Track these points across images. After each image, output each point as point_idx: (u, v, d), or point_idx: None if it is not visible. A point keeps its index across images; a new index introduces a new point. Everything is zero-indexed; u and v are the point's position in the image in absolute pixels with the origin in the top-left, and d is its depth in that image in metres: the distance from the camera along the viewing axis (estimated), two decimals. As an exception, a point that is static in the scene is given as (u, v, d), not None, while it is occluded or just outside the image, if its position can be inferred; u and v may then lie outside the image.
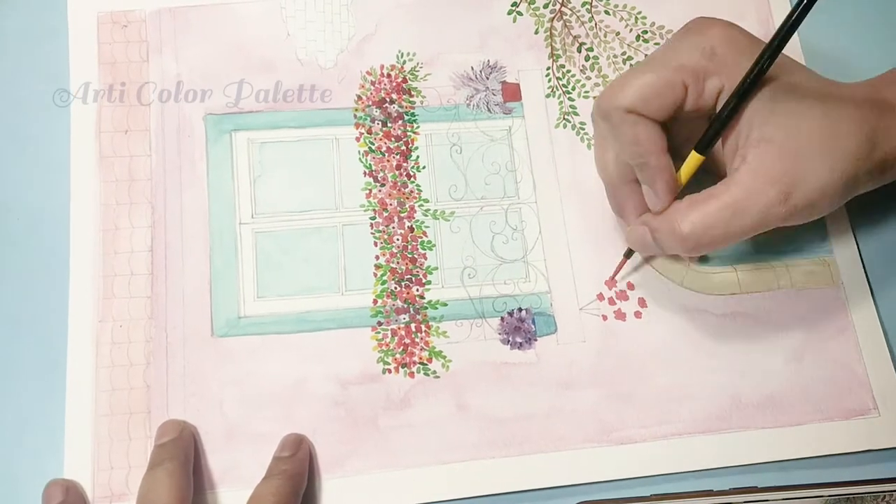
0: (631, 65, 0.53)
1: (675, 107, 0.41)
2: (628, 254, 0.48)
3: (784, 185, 0.39)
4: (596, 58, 0.53)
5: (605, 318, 0.48)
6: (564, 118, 0.52)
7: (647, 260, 0.49)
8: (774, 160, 0.40)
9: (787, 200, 0.39)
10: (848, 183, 0.40)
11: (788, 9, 0.53)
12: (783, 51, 0.39)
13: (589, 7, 0.54)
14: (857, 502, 0.45)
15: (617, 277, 0.48)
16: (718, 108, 0.41)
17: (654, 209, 0.43)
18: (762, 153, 0.40)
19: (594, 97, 0.52)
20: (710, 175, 0.44)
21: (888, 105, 0.42)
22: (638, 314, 0.48)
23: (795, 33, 0.52)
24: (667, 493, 0.45)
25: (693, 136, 0.43)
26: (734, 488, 0.45)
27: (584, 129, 0.51)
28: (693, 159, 0.42)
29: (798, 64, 0.43)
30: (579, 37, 0.53)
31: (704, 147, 0.42)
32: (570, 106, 0.52)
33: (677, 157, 0.43)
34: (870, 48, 0.53)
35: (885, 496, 0.45)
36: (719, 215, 0.40)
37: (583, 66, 0.53)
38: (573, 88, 0.52)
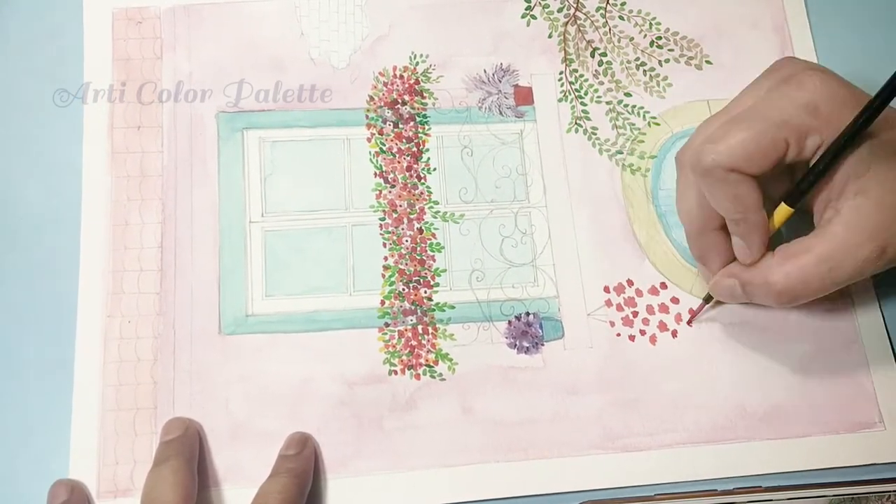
0: (644, 71, 0.52)
1: (776, 163, 0.40)
2: (708, 298, 0.47)
3: (881, 241, 0.39)
4: (609, 63, 0.53)
5: (612, 324, 0.48)
6: (576, 123, 0.52)
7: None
8: (870, 214, 0.39)
9: (883, 255, 0.39)
10: None
11: (804, 16, 0.53)
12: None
13: (603, 12, 0.54)
14: (861, 502, 0.45)
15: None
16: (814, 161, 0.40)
17: (743, 261, 0.43)
18: (858, 206, 0.39)
19: (607, 102, 0.52)
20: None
21: None
22: (646, 321, 0.48)
23: (809, 35, 0.53)
24: (670, 493, 0.45)
25: (772, 176, 0.42)
26: (738, 488, 0.45)
27: (595, 133, 0.51)
28: (783, 212, 0.42)
29: (891, 109, 0.41)
30: (593, 41, 0.53)
31: (796, 200, 0.41)
32: (583, 111, 0.52)
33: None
34: (883, 49, 0.52)
35: (889, 496, 0.45)
36: (815, 270, 0.40)
37: (596, 70, 0.53)
38: (586, 93, 0.52)
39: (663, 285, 0.48)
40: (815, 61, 0.53)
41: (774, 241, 0.42)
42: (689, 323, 0.48)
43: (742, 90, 0.43)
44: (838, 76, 0.41)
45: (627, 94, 0.52)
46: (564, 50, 0.53)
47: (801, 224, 0.43)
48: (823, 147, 0.40)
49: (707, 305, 0.47)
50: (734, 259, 0.44)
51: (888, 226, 0.39)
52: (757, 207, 0.41)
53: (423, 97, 0.51)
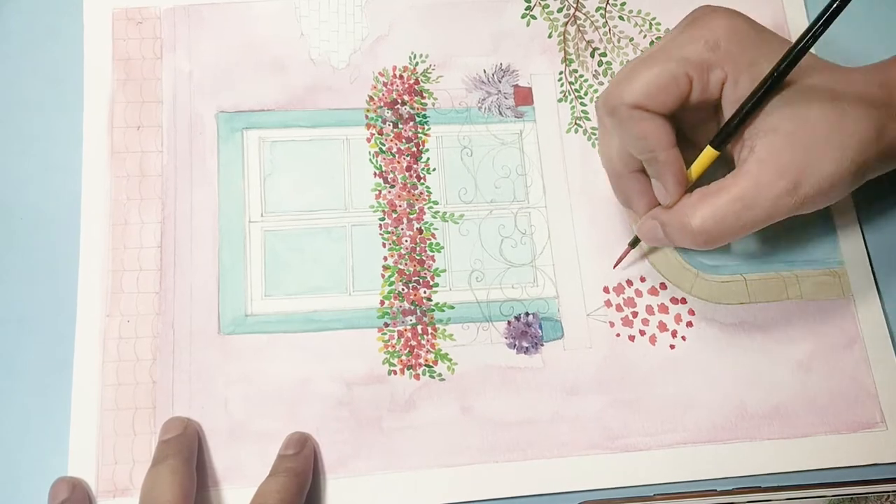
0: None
1: (680, 100, 0.40)
2: (634, 243, 0.48)
3: (793, 176, 0.39)
4: (609, 63, 0.53)
5: (612, 324, 0.48)
6: (576, 123, 0.52)
7: (651, 253, 0.49)
8: (782, 150, 0.39)
9: (797, 190, 0.39)
10: (857, 170, 0.40)
11: (803, 16, 0.53)
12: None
13: (603, 12, 0.54)
14: (860, 502, 0.45)
15: (620, 267, 0.48)
16: (725, 97, 0.41)
17: (663, 203, 0.43)
18: (770, 143, 0.40)
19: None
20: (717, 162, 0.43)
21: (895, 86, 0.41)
22: (645, 321, 0.48)
23: (804, 22, 0.53)
24: (669, 493, 0.44)
25: (698, 122, 0.43)
26: (737, 488, 0.45)
27: (595, 134, 0.51)
28: (707, 155, 0.42)
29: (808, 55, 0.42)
30: (592, 42, 0.53)
31: (720, 143, 0.42)
32: (582, 111, 0.52)
33: (685, 144, 0.43)
34: (877, 33, 0.52)
35: (888, 496, 0.45)
36: (730, 208, 0.40)
37: (595, 71, 0.53)
38: (585, 93, 0.52)
39: (663, 286, 0.48)
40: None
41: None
42: (613, 267, 0.48)
43: None
44: (746, 17, 0.41)
45: (627, 95, 0.52)
46: (564, 50, 0.53)
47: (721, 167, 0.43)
48: (730, 83, 0.40)
49: (632, 250, 0.48)
50: (657, 202, 0.44)
51: (800, 161, 0.39)
52: (666, 145, 0.41)
53: (423, 97, 0.51)
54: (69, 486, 0.43)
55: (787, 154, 0.39)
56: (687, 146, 0.43)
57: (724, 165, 0.42)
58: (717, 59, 0.40)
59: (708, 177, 0.42)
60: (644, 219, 0.45)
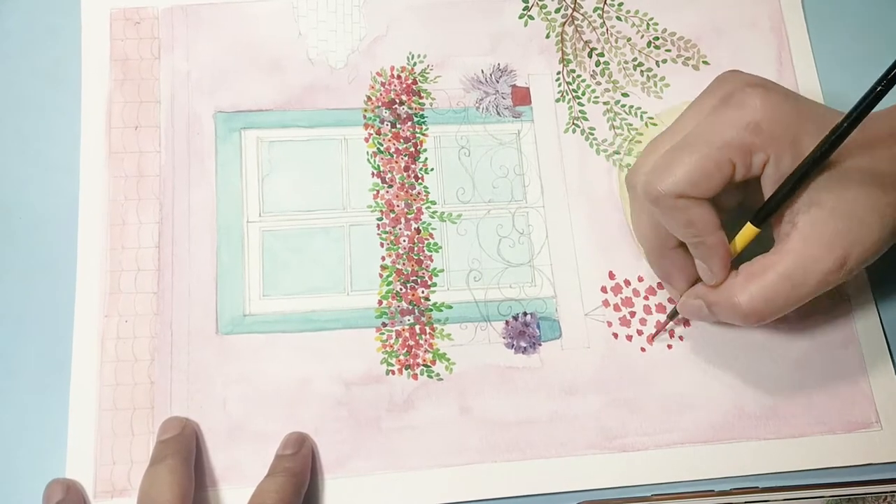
0: (642, 71, 0.53)
1: (724, 185, 0.39)
2: (673, 314, 0.47)
3: (840, 251, 0.39)
4: (607, 63, 0.53)
5: (609, 324, 0.48)
6: (574, 123, 0.52)
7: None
8: (826, 225, 0.39)
9: (844, 265, 0.39)
10: None
11: (801, 16, 0.54)
12: (797, 86, 0.38)
13: (600, 12, 0.54)
14: (857, 503, 0.45)
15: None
16: (766, 176, 0.40)
17: (708, 283, 0.42)
18: (813, 218, 0.39)
19: (604, 102, 0.52)
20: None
21: None
22: (643, 321, 0.48)
23: (806, 35, 0.53)
24: (667, 493, 0.45)
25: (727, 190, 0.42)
26: (735, 489, 0.45)
27: (593, 134, 0.51)
28: (748, 231, 0.41)
29: (835, 112, 0.41)
30: (590, 42, 0.53)
31: (762, 221, 0.41)
32: (580, 111, 0.52)
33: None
34: (880, 48, 0.52)
35: (886, 497, 0.45)
36: (779, 287, 0.40)
37: (593, 71, 0.53)
38: (583, 93, 0.52)
39: (661, 286, 0.48)
40: (813, 61, 0.53)
41: (739, 259, 0.42)
42: (649, 340, 0.48)
43: (686, 108, 0.42)
44: (781, 88, 0.40)
45: (625, 95, 0.52)
46: (562, 50, 0.53)
47: (760, 237, 0.42)
48: (773, 163, 0.39)
49: (671, 321, 0.47)
50: (698, 277, 0.43)
51: (845, 235, 0.39)
52: (713, 229, 0.40)
53: (421, 97, 0.51)
54: (63, 488, 0.43)
55: (832, 227, 0.39)
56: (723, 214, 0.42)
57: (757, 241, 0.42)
58: (760, 142, 0.39)
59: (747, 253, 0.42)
60: (686, 297, 0.44)
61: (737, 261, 0.42)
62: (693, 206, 0.39)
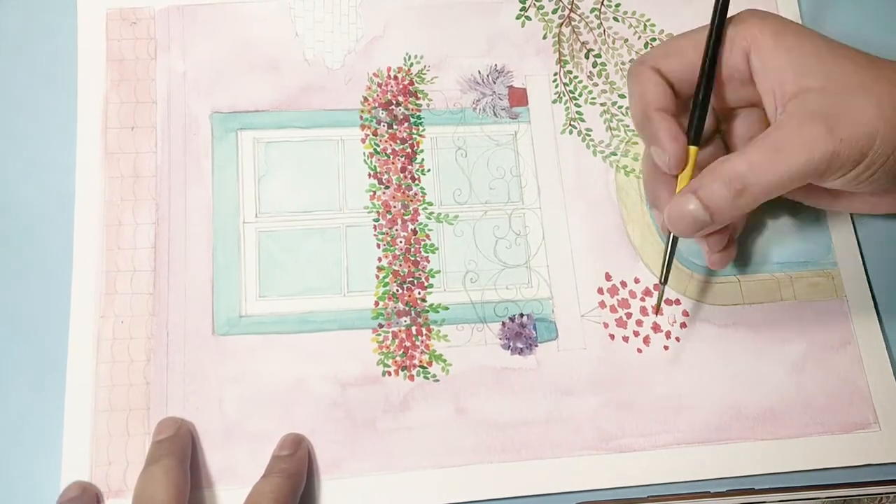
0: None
1: (695, 66, 0.41)
2: (665, 279, 0.45)
3: (826, 118, 0.38)
4: (604, 64, 0.53)
5: (606, 325, 0.48)
6: (571, 124, 0.52)
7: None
8: (814, 100, 0.39)
9: (832, 131, 0.38)
10: (894, 132, 0.38)
11: (798, 17, 0.54)
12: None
13: (598, 13, 0.54)
14: (854, 504, 0.45)
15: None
16: (754, 70, 0.41)
17: (661, 164, 0.42)
18: (801, 100, 0.39)
19: (601, 104, 0.52)
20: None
21: None
22: (639, 322, 0.48)
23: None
24: (663, 495, 0.45)
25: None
26: (731, 490, 0.45)
27: (589, 135, 0.51)
28: (691, 154, 0.42)
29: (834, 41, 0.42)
30: (587, 43, 0.53)
31: (695, 136, 0.42)
32: (577, 112, 0.52)
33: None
34: (876, 49, 0.52)
35: (881, 499, 0.45)
36: (763, 155, 0.39)
37: (590, 72, 0.53)
38: (580, 94, 0.52)
39: (657, 287, 0.48)
40: None
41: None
42: (655, 313, 0.47)
43: None
44: (777, 15, 0.42)
45: (622, 96, 0.52)
46: (559, 51, 0.53)
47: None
48: (753, 52, 0.41)
49: (665, 287, 0.46)
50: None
51: (833, 106, 0.38)
52: (658, 104, 0.42)
53: (418, 98, 0.51)
54: (80, 488, 0.43)
55: (819, 102, 0.38)
56: None
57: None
58: (740, 31, 0.41)
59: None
60: (673, 201, 0.42)
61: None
62: (652, 80, 0.42)
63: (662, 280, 0.44)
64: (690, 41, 0.42)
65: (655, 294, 0.48)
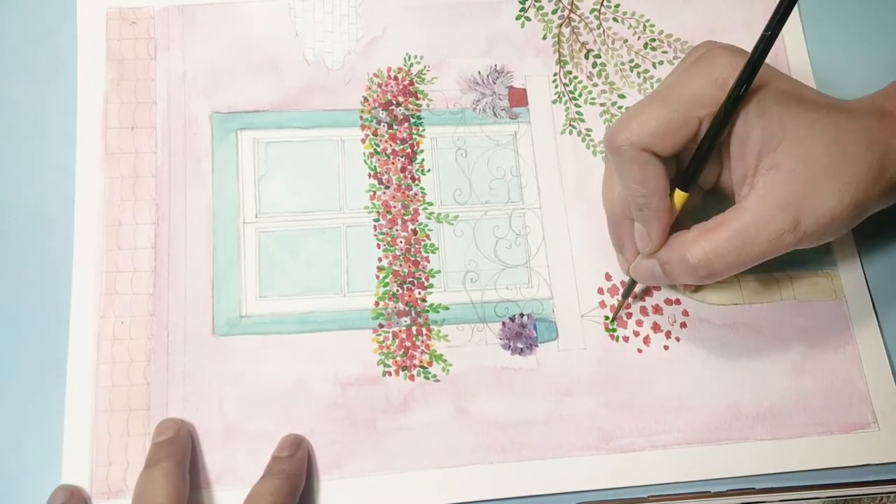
0: (638, 73, 0.53)
1: (687, 141, 0.40)
2: (626, 293, 0.47)
3: (794, 212, 0.39)
4: (603, 65, 0.53)
5: (606, 325, 0.48)
6: (570, 124, 0.52)
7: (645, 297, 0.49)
8: (783, 186, 0.39)
9: (797, 228, 0.39)
10: (857, 208, 0.40)
11: (797, 18, 0.54)
12: (790, 73, 0.39)
13: (597, 14, 0.54)
14: None
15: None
16: (734, 136, 0.40)
17: (643, 249, 0.43)
18: (771, 180, 0.40)
19: (601, 104, 0.52)
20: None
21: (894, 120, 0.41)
22: (640, 322, 0.48)
23: (802, 37, 0.53)
24: (664, 495, 0.45)
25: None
26: (731, 490, 0.45)
27: (589, 135, 0.51)
28: (678, 197, 0.42)
29: (804, 84, 0.42)
30: (587, 43, 0.53)
31: (687, 183, 0.42)
32: (577, 112, 0.52)
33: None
34: (876, 60, 0.52)
35: (881, 498, 0.45)
36: (730, 243, 0.40)
37: (590, 72, 0.53)
38: (580, 95, 0.52)
39: (657, 287, 0.49)
40: (808, 63, 0.53)
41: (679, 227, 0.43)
42: (612, 320, 0.48)
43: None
44: (747, 52, 0.41)
45: (621, 96, 0.52)
46: (559, 51, 0.53)
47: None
48: (739, 120, 0.40)
49: (629, 297, 0.48)
50: None
51: (801, 198, 0.39)
52: (662, 193, 0.41)
53: (418, 98, 0.51)
54: (67, 492, 0.43)
55: (788, 190, 0.39)
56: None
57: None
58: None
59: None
60: (639, 259, 0.44)
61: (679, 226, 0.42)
62: (651, 164, 0.40)
63: (622, 298, 0.47)
64: (677, 117, 0.40)
65: (655, 294, 0.48)
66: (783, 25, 0.37)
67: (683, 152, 0.41)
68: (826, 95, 0.42)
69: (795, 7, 0.53)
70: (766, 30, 0.37)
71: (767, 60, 0.38)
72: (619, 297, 0.48)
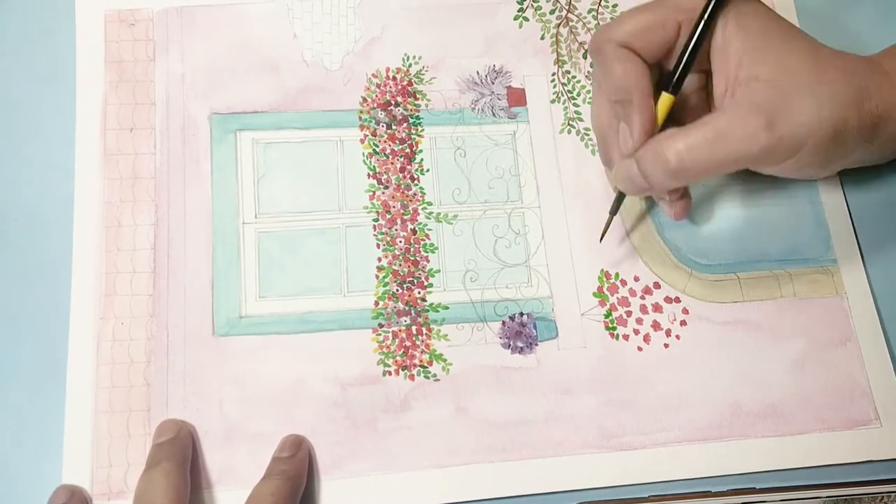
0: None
1: (666, 46, 0.42)
2: (614, 209, 0.48)
3: (768, 114, 0.40)
4: (602, 64, 0.53)
5: (606, 323, 0.48)
6: (569, 124, 0.52)
7: (643, 252, 0.49)
8: (760, 93, 0.40)
9: (772, 128, 0.40)
10: (836, 126, 0.40)
11: (795, 18, 0.54)
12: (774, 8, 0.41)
13: (595, 13, 0.54)
14: (855, 502, 0.45)
15: (604, 241, 0.49)
16: (714, 46, 0.42)
17: (625, 147, 0.44)
18: (749, 89, 0.41)
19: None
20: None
21: (880, 68, 0.43)
22: (639, 321, 0.48)
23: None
24: (664, 493, 0.45)
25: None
26: (732, 489, 0.45)
27: (588, 135, 0.51)
28: (664, 100, 0.43)
29: (791, 24, 0.43)
30: (585, 43, 0.53)
31: (675, 86, 0.43)
32: (575, 112, 0.52)
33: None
34: (871, 48, 0.52)
35: (882, 497, 0.45)
36: (703, 139, 0.40)
37: (588, 72, 0.53)
38: (578, 94, 0.52)
39: (657, 285, 0.48)
40: (794, 14, 0.54)
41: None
42: (600, 240, 0.48)
43: None
44: None
45: (620, 95, 0.52)
46: (557, 51, 0.53)
47: None
48: (717, 28, 0.42)
49: (613, 217, 0.48)
50: None
51: (776, 101, 0.40)
52: (643, 90, 0.42)
53: (416, 98, 0.52)
54: (67, 493, 0.43)
55: (764, 95, 0.40)
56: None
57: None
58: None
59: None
60: (619, 162, 0.45)
61: None
62: (630, 60, 0.42)
63: (610, 214, 0.48)
64: (657, 18, 0.42)
65: (655, 292, 0.48)
66: None
67: (667, 60, 0.43)
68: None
69: (794, 14, 0.54)
70: None
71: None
72: (608, 215, 0.48)
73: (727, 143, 0.40)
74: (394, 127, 0.51)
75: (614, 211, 0.48)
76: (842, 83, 0.41)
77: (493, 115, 0.52)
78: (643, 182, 0.43)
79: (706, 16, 0.41)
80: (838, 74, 0.41)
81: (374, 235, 0.49)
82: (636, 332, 0.48)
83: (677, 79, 0.43)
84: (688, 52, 0.42)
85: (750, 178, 0.49)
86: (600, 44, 0.42)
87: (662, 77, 0.45)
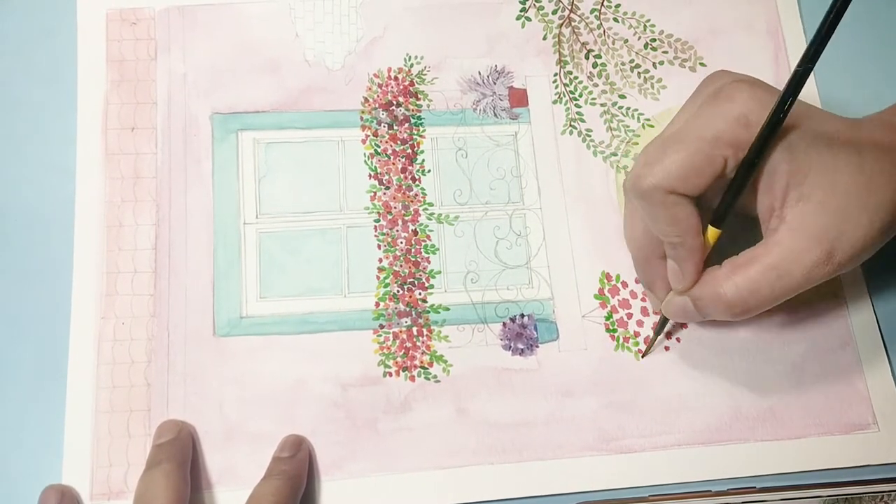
0: (639, 73, 0.53)
1: (713, 181, 0.39)
2: (659, 330, 0.47)
3: (827, 244, 0.39)
4: (604, 65, 0.53)
5: (607, 326, 0.48)
6: (571, 125, 0.52)
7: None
8: (815, 218, 0.39)
9: (831, 259, 0.39)
10: (885, 232, 0.40)
11: (798, 18, 0.54)
12: (805, 101, 0.38)
13: (597, 14, 0.54)
14: (854, 503, 0.45)
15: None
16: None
17: (675, 287, 0.42)
18: (801, 212, 0.39)
19: (601, 104, 0.52)
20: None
21: None
22: (640, 323, 0.48)
23: (802, 38, 0.53)
24: (664, 495, 0.45)
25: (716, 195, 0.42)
26: (732, 489, 0.45)
27: (590, 135, 0.51)
28: (712, 234, 0.41)
29: (821, 111, 0.41)
30: (587, 43, 0.53)
31: (721, 219, 0.41)
32: (577, 113, 0.52)
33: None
34: (875, 52, 0.52)
35: (882, 496, 0.45)
36: (764, 278, 0.39)
37: (590, 72, 0.53)
38: (580, 95, 0.52)
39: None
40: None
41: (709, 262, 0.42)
42: (643, 356, 0.47)
43: (679, 110, 0.42)
44: (766, 84, 0.40)
45: (622, 97, 0.52)
46: (559, 52, 0.53)
47: (753, 236, 0.42)
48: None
49: (660, 336, 0.47)
50: None
51: (832, 228, 0.39)
52: (695, 231, 0.40)
53: (418, 99, 0.51)
54: (58, 494, 0.43)
55: (820, 221, 0.39)
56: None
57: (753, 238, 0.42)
58: (749, 136, 0.39)
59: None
60: (671, 297, 0.43)
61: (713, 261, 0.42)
62: (680, 204, 0.39)
63: (655, 334, 0.47)
64: (701, 158, 0.39)
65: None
66: (816, 62, 0.36)
67: (711, 188, 0.40)
68: (844, 119, 0.41)
69: (798, 19, 0.53)
70: (798, 65, 0.37)
71: (769, 80, 0.38)
72: (652, 335, 0.47)
73: (788, 280, 0.39)
74: (395, 127, 0.51)
75: (660, 331, 0.47)
76: (886, 185, 0.39)
77: (495, 115, 0.52)
78: (698, 317, 0.42)
79: (760, 152, 0.38)
80: (883, 178, 0.39)
81: (375, 236, 0.49)
82: (637, 334, 0.48)
83: (724, 214, 0.41)
84: (740, 189, 0.40)
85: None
86: (645, 191, 0.39)
87: (702, 206, 0.42)
